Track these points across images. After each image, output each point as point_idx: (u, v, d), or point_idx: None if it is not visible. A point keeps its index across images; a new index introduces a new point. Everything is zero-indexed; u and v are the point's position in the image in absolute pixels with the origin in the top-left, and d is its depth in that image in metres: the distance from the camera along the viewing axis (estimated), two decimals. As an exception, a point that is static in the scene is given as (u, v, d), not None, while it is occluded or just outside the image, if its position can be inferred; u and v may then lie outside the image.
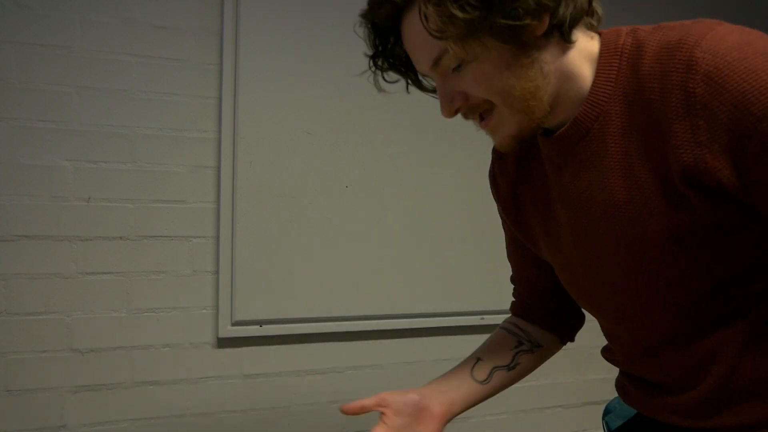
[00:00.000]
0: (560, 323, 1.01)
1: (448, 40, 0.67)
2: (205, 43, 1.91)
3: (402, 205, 2.05)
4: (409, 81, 0.81)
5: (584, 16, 0.72)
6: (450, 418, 0.93)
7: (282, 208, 1.94)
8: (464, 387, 0.95)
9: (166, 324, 1.84)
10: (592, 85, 0.72)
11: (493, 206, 0.99)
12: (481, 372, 0.96)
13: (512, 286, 1.06)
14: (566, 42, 0.71)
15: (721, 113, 0.60)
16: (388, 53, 0.79)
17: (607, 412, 1.01)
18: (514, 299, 1.06)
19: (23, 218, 1.72)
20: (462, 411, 0.95)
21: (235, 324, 1.89)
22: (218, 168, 1.90)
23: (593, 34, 0.74)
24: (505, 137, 0.75)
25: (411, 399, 0.89)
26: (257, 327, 1.91)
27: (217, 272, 1.89)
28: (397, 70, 0.80)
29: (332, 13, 2.02)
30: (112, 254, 1.80)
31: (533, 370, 1.01)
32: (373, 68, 0.80)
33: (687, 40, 0.65)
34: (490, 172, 0.97)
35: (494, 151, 0.94)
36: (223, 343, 1.90)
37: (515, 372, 0.98)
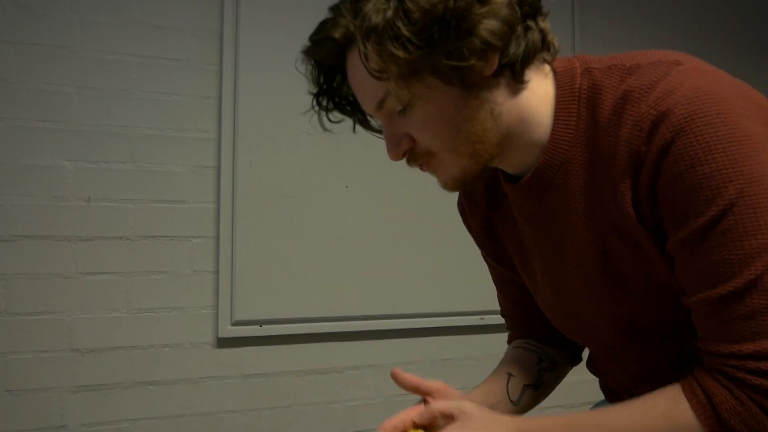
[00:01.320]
0: (567, 341, 0.95)
1: (389, 81, 0.63)
2: (205, 43, 1.91)
3: (402, 205, 2.05)
4: (356, 121, 0.77)
5: (538, 53, 0.67)
6: None
7: (282, 208, 1.94)
8: (502, 407, 0.88)
9: (166, 324, 1.84)
10: (552, 131, 0.68)
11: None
12: (515, 390, 0.89)
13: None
14: (518, 83, 0.67)
15: (661, 176, 0.59)
16: (334, 92, 0.74)
17: None
18: (511, 330, 0.99)
19: (23, 218, 1.72)
20: None
21: (235, 324, 1.89)
22: (218, 168, 1.90)
23: (547, 70, 0.70)
24: (448, 178, 0.71)
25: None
26: (257, 327, 1.91)
27: (217, 272, 1.89)
28: (343, 110, 0.76)
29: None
30: (112, 254, 1.80)
31: (551, 392, 0.94)
32: (317, 108, 0.75)
33: (637, 92, 0.61)
34: (458, 203, 0.93)
35: None
36: (223, 343, 1.90)
37: (540, 392, 0.91)
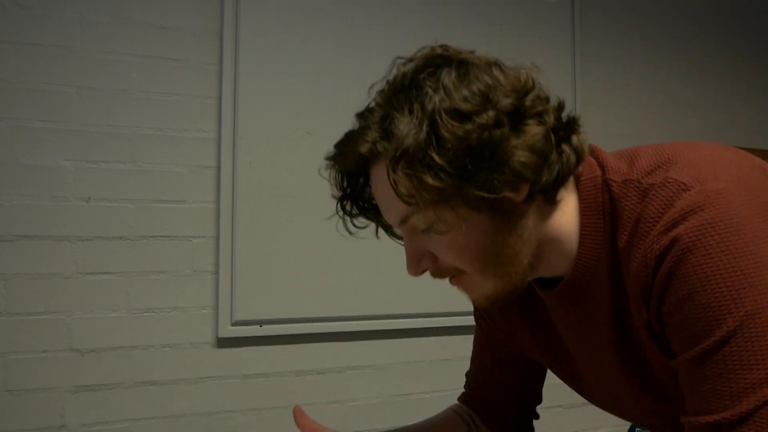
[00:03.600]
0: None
1: (417, 206, 0.62)
2: (205, 43, 1.91)
3: (402, 205, 2.05)
4: (380, 225, 0.76)
5: (570, 175, 0.66)
6: None
7: (282, 208, 1.94)
8: None
9: (166, 324, 1.84)
10: (580, 246, 0.67)
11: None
12: None
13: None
14: (549, 204, 0.66)
15: (664, 304, 0.60)
16: (357, 196, 0.73)
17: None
18: (465, 391, 0.97)
19: (23, 218, 1.72)
20: None
21: (235, 324, 1.89)
22: (218, 168, 1.90)
23: (571, 179, 0.69)
24: (479, 297, 0.69)
25: None
26: (257, 327, 1.91)
27: (217, 272, 1.89)
28: (366, 215, 0.75)
29: (332, 13, 2.02)
30: (112, 254, 1.80)
31: None
32: (341, 212, 0.74)
33: (645, 223, 0.61)
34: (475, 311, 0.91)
35: None
36: (223, 343, 1.90)
37: None
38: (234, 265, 1.88)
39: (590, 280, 0.69)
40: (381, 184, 0.65)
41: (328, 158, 0.70)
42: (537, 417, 0.94)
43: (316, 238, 1.96)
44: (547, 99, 0.64)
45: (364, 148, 0.64)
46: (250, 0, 1.92)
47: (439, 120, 0.59)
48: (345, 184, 0.73)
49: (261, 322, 1.91)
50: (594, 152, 0.70)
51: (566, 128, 0.65)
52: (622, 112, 2.51)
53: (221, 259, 1.88)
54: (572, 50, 2.39)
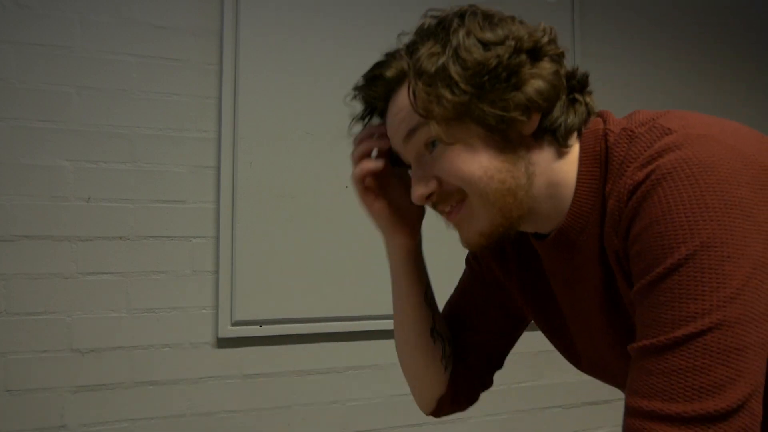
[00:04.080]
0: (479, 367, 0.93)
1: (431, 121, 0.65)
2: (205, 43, 1.91)
3: (402, 205, 2.05)
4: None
5: (581, 126, 0.70)
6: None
7: (282, 208, 1.94)
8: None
9: (166, 324, 1.84)
10: (575, 194, 0.69)
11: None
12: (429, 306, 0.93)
13: None
14: (560, 146, 0.69)
15: (629, 237, 0.61)
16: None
17: None
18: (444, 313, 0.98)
19: (23, 218, 1.72)
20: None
21: (235, 324, 1.89)
22: (218, 168, 1.90)
23: (576, 134, 0.72)
24: (473, 233, 0.70)
25: None
26: (257, 327, 1.91)
27: (217, 272, 1.89)
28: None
29: (332, 12, 2.02)
30: (112, 254, 1.80)
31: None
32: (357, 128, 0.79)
33: (626, 164, 0.63)
34: (468, 256, 0.93)
35: None
36: (223, 343, 1.90)
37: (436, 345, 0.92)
38: (234, 265, 1.88)
39: (582, 229, 0.69)
40: (396, 105, 0.70)
41: (355, 88, 0.74)
42: (491, 384, 0.94)
43: (316, 238, 1.96)
44: (563, 53, 0.69)
45: (390, 72, 0.69)
46: (250, 0, 1.92)
47: (462, 45, 0.64)
48: (366, 116, 0.77)
49: (261, 322, 1.91)
50: (603, 114, 0.73)
51: (579, 81, 0.70)
52: (622, 112, 2.50)
53: (221, 259, 1.88)
54: (572, 50, 2.39)
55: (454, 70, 0.63)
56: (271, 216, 1.92)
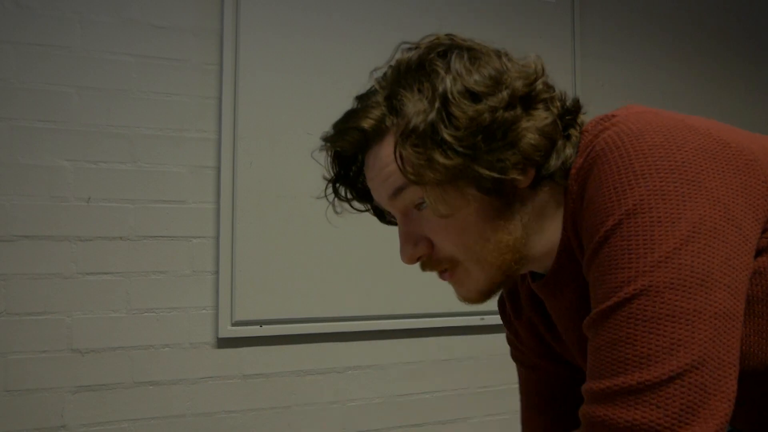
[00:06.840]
0: None
1: (424, 186, 0.60)
2: (205, 43, 1.91)
3: (402, 205, 2.05)
4: (372, 211, 0.75)
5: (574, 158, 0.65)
6: None
7: (282, 208, 1.94)
8: None
9: (166, 324, 1.84)
10: (564, 232, 0.65)
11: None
12: None
13: None
14: (557, 185, 0.64)
15: (581, 232, 0.59)
16: (351, 181, 0.71)
17: None
18: None
19: (23, 218, 1.72)
20: None
21: (235, 324, 1.89)
22: (218, 168, 1.90)
23: None
24: (472, 291, 0.67)
25: None
26: (257, 327, 1.91)
27: (217, 272, 1.89)
28: (360, 200, 0.73)
29: (332, 12, 2.02)
30: (112, 254, 1.80)
31: None
32: (332, 195, 0.72)
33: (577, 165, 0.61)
34: (499, 302, 0.88)
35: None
36: (223, 343, 1.90)
37: None
38: (234, 265, 1.88)
39: (570, 263, 0.66)
40: (379, 160, 0.63)
41: (325, 138, 0.68)
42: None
43: (316, 238, 1.96)
44: (553, 87, 0.64)
45: (367, 124, 0.63)
46: (250, 0, 1.92)
47: (451, 99, 0.58)
48: (339, 168, 0.70)
49: (261, 323, 1.91)
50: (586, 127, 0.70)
51: (573, 112, 0.65)
52: (622, 112, 2.50)
53: (221, 259, 1.88)
54: (572, 50, 2.39)
55: (446, 131, 0.58)
56: (271, 216, 1.92)
